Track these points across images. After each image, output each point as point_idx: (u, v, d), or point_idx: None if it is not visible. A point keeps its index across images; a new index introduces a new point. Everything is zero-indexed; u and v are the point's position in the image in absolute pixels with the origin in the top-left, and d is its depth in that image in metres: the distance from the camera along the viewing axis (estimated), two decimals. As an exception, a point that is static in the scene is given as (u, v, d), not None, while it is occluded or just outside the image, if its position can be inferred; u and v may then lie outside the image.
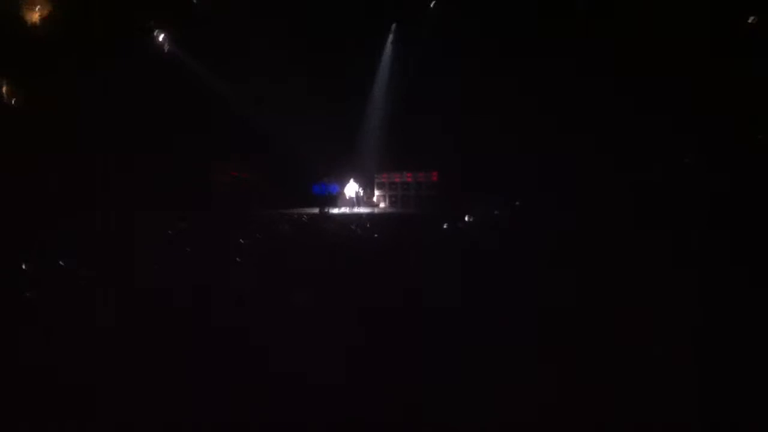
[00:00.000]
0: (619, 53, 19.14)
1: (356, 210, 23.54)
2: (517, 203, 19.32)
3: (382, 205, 25.05)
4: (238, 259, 12.72)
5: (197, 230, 15.88)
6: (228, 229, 16.51)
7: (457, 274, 9.00)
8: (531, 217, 16.06)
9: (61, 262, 11.18)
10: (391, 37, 25.05)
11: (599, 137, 19.40)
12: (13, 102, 23.59)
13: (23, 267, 10.70)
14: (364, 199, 24.75)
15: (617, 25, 19.39)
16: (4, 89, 23.61)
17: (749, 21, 17.64)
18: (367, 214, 22.47)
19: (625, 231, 11.30)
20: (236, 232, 15.70)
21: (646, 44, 18.68)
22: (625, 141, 19.08)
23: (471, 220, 17.81)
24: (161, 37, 24.54)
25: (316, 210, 22.06)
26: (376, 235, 16.24)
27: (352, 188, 24.20)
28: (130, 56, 21.80)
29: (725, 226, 10.16)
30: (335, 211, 22.86)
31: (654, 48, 18.50)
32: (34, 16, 24.29)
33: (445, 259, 10.63)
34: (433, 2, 23.27)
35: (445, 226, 17.36)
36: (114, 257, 11.75)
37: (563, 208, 15.82)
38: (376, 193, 25.33)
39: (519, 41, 20.49)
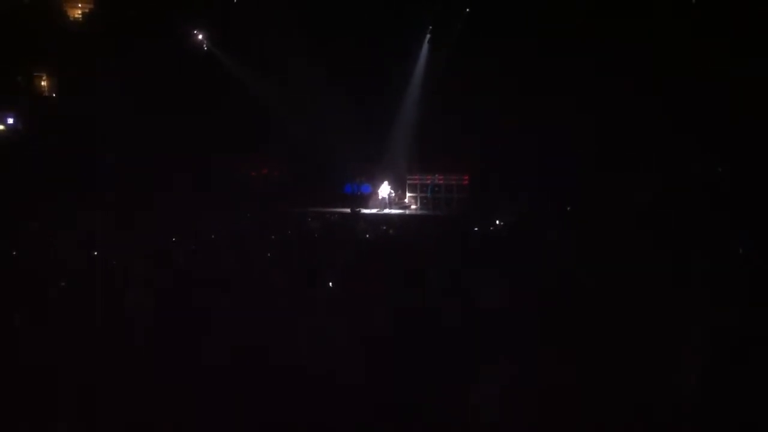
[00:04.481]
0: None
1: (387, 211, 24.18)
2: (550, 208, 19.80)
3: (413, 206, 25.60)
4: (268, 254, 13.56)
5: (232, 226, 16.71)
6: (261, 225, 17.33)
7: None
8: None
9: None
10: (427, 39, 25.67)
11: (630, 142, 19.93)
12: (54, 95, 24.89)
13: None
14: (396, 200, 25.35)
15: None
16: (44, 83, 24.93)
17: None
18: (398, 216, 23.16)
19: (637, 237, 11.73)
20: (269, 228, 16.58)
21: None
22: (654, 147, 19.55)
23: (501, 223, 18.41)
24: (200, 37, 25.62)
25: (347, 210, 22.74)
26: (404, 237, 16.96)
27: (384, 189, 24.86)
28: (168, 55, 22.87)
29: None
30: (366, 211, 23.52)
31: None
32: (76, 12, 25.58)
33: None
34: (467, 8, 23.95)
35: (476, 229, 18.00)
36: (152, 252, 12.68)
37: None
38: (408, 194, 25.91)
39: (552, 45, 21.00)
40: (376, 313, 7.37)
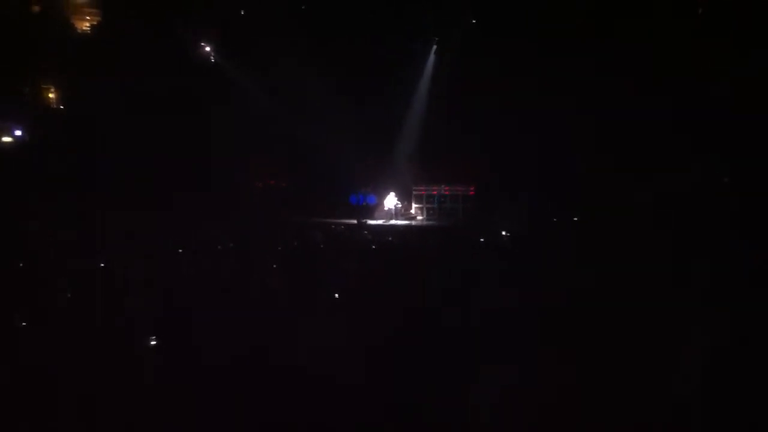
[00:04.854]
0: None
1: (393, 222, 24.24)
2: (555, 219, 19.84)
3: (419, 217, 25.67)
4: (274, 265, 13.63)
5: (236, 237, 16.79)
6: (268, 236, 17.41)
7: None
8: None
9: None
10: (432, 52, 25.90)
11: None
12: (62, 106, 25.11)
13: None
14: (402, 212, 25.41)
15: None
16: (51, 95, 25.17)
17: None
18: (405, 227, 23.21)
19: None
20: (275, 240, 16.66)
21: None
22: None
23: (507, 235, 18.45)
24: (207, 49, 25.89)
25: (354, 221, 22.82)
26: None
27: (390, 200, 24.93)
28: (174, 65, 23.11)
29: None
30: (372, 222, 23.58)
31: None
32: (84, 24, 25.89)
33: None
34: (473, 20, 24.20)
35: (481, 240, 18.05)
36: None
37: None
38: (414, 205, 25.98)
39: (558, 58, 21.10)
40: (379, 317, 7.43)
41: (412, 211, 25.96)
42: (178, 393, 5.93)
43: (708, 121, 18.13)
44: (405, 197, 25.87)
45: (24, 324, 7.79)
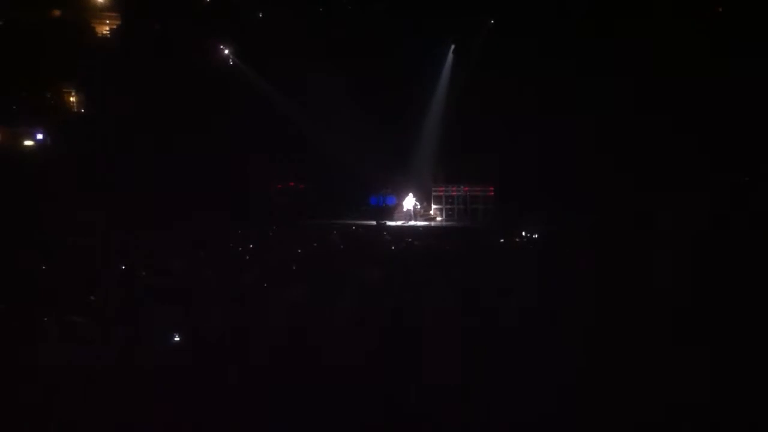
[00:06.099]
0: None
1: (412, 223, 24.29)
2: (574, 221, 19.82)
3: (439, 218, 25.67)
4: (294, 267, 13.79)
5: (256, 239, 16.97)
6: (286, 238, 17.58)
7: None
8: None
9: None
10: (450, 53, 26.00)
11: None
12: (82, 110, 25.47)
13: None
14: (421, 212, 25.43)
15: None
16: (72, 98, 25.53)
17: None
18: (424, 228, 23.27)
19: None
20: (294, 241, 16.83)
21: None
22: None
23: (527, 235, 18.48)
24: (226, 52, 26.16)
25: (373, 222, 22.93)
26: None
27: (409, 201, 24.97)
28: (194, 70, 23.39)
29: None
30: (392, 223, 23.66)
31: None
32: (104, 28, 26.25)
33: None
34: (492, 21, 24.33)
35: (502, 241, 18.11)
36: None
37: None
38: (433, 206, 25.99)
39: (575, 59, 21.12)
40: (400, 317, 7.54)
41: (432, 211, 25.98)
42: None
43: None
44: (424, 198, 25.90)
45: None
